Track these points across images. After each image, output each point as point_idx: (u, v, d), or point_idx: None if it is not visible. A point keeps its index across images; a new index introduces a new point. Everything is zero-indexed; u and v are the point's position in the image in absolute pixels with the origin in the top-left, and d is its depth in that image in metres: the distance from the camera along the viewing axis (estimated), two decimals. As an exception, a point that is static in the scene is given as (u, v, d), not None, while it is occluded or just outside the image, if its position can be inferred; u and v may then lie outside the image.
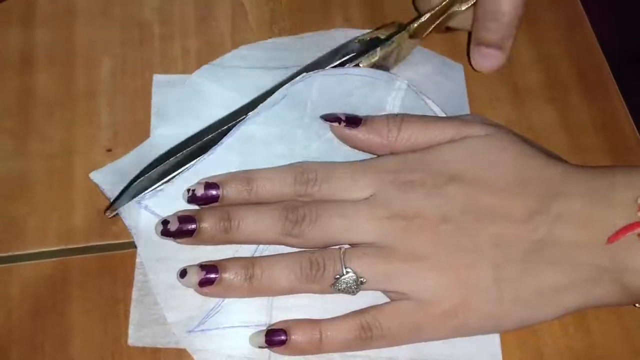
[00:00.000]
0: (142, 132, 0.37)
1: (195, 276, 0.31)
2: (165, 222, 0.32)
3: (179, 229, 0.32)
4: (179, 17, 0.41)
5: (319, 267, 0.31)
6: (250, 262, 0.32)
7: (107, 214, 0.34)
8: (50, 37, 0.39)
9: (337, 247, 0.32)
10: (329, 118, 0.34)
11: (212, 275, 0.31)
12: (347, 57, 0.37)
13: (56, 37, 0.39)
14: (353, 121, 0.34)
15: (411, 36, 0.38)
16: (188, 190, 0.33)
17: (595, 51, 0.41)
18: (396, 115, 0.34)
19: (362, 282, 0.31)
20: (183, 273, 0.32)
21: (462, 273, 0.31)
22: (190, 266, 0.32)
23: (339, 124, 0.34)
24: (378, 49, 0.37)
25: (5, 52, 0.39)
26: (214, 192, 0.33)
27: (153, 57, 0.39)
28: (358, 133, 0.34)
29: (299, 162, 0.34)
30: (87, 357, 0.32)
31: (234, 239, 0.32)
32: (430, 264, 0.31)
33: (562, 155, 0.37)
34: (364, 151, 0.35)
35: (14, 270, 0.33)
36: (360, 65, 0.37)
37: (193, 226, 0.32)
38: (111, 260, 0.34)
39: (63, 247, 0.34)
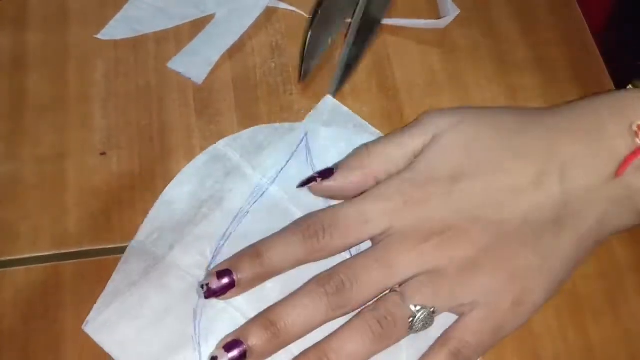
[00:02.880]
0: (136, 135, 0.36)
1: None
2: (214, 359, 0.30)
3: (231, 359, 0.29)
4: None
5: (388, 321, 0.30)
6: (322, 351, 0.30)
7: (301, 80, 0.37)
8: (42, 39, 0.39)
9: (387, 292, 0.31)
10: (304, 183, 0.34)
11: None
12: None
13: (48, 39, 0.39)
14: (327, 173, 0.33)
15: None
16: (202, 286, 0.31)
17: (593, 53, 0.41)
18: (361, 146, 0.34)
19: (434, 312, 0.30)
20: None
21: (509, 264, 0.31)
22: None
23: (316, 181, 0.33)
24: None
25: (-4, 54, 0.38)
26: (227, 281, 0.31)
27: (147, 59, 0.39)
28: (336, 180, 0.33)
29: (301, 218, 0.33)
30: (80, 363, 0.31)
31: (287, 341, 0.30)
32: (480, 268, 0.31)
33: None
34: (352, 195, 0.33)
35: (6, 275, 0.33)
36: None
37: (242, 349, 0.29)
38: (105, 265, 0.33)
39: (56, 252, 0.33)
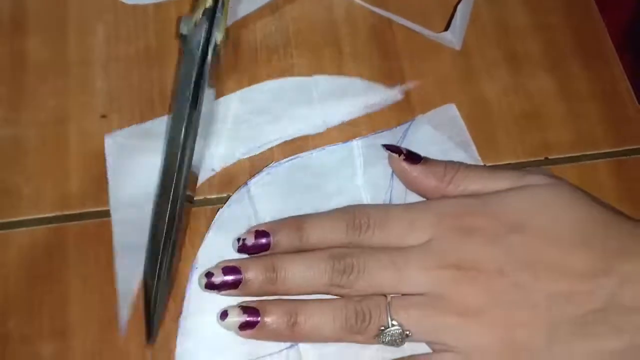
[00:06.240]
0: (136, 98, 0.36)
1: (236, 318, 0.30)
2: (209, 274, 0.31)
3: (223, 281, 0.31)
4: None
5: (364, 318, 0.30)
6: (293, 308, 0.30)
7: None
8: (42, 3, 0.39)
9: (383, 295, 0.30)
10: (392, 148, 0.34)
11: (254, 319, 0.30)
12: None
13: (48, 2, 0.39)
14: (413, 157, 0.33)
15: None
16: (238, 239, 0.32)
17: (595, 19, 0.41)
18: (454, 162, 0.33)
19: (407, 335, 0.30)
20: (224, 314, 0.30)
21: (514, 332, 0.29)
22: (231, 307, 0.31)
23: (399, 156, 0.33)
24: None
25: (-4, 18, 0.38)
26: (264, 241, 0.31)
27: (147, 22, 0.39)
28: (415, 170, 0.33)
29: (352, 206, 0.33)
30: (84, 323, 0.31)
31: (280, 291, 0.31)
32: (481, 320, 0.29)
33: (559, 123, 0.37)
34: (414, 190, 0.34)
35: (10, 237, 0.33)
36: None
37: (239, 277, 0.31)
38: (107, 226, 0.33)
39: (58, 213, 0.34)
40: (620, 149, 0.37)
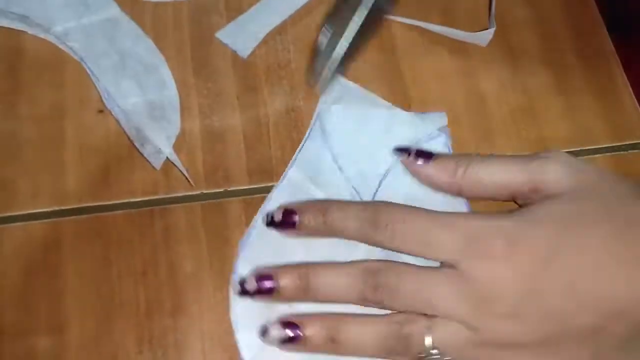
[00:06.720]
0: (133, 93, 0.36)
1: (277, 334, 0.30)
2: (242, 282, 0.31)
3: (257, 288, 0.31)
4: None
5: (406, 342, 0.29)
6: (334, 325, 0.30)
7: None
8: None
9: (425, 315, 0.30)
10: (401, 150, 0.34)
11: (295, 333, 0.30)
12: None
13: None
14: (423, 155, 0.33)
15: None
16: (267, 214, 0.33)
17: (593, 13, 0.41)
18: (466, 156, 0.33)
19: None
20: (264, 331, 0.31)
21: None
22: (271, 324, 0.31)
23: (409, 156, 0.33)
24: None
25: (-7, 12, 0.38)
26: (291, 219, 0.32)
27: (144, 18, 0.39)
28: (427, 169, 0.33)
29: (379, 203, 0.32)
30: (80, 318, 0.32)
31: (313, 299, 0.31)
32: (524, 353, 0.29)
33: (556, 118, 0.37)
34: (430, 187, 0.34)
35: (6, 231, 0.33)
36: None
37: (271, 285, 0.31)
38: (104, 222, 0.33)
39: (55, 208, 0.34)
40: (618, 144, 0.37)
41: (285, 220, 0.32)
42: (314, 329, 0.30)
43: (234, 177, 0.35)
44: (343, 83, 0.37)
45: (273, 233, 0.33)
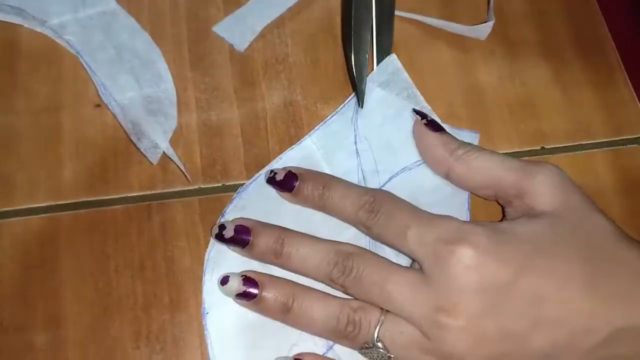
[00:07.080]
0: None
1: (235, 286, 0.31)
2: (222, 227, 0.32)
3: (232, 237, 0.31)
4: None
5: (354, 328, 0.30)
6: (291, 294, 0.31)
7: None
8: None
9: (380, 309, 0.30)
10: (419, 112, 0.35)
11: (252, 291, 0.31)
12: None
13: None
14: (434, 125, 0.34)
15: None
16: (271, 170, 0.33)
17: (592, 6, 0.40)
18: (469, 143, 0.33)
19: (390, 358, 0.30)
20: (225, 280, 0.31)
21: None
22: (233, 274, 0.31)
23: (422, 119, 0.34)
24: None
25: (-12, 6, 0.38)
26: (291, 183, 0.32)
27: (141, 12, 0.38)
28: (431, 137, 0.33)
29: (372, 190, 0.32)
30: (78, 312, 0.32)
31: (282, 265, 0.31)
32: None
33: (555, 112, 0.37)
34: (424, 158, 0.34)
35: (3, 226, 0.33)
36: None
37: (247, 238, 0.31)
38: (101, 216, 0.33)
39: (52, 203, 0.34)
40: (617, 138, 0.37)
41: (286, 182, 0.33)
42: (271, 293, 0.31)
43: (231, 172, 0.35)
44: (397, 69, 0.37)
45: (271, 191, 0.33)
